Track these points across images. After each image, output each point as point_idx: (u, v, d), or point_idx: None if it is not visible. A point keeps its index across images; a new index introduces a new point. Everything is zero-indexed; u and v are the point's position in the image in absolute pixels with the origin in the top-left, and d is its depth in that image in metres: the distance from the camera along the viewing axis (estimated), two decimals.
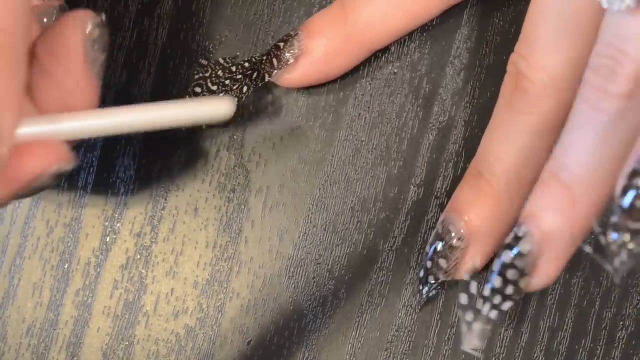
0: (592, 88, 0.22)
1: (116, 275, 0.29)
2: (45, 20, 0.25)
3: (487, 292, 0.24)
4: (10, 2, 0.21)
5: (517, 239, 0.23)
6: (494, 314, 0.24)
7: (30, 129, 0.23)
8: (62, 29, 0.25)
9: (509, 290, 0.24)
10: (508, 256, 0.24)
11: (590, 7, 0.22)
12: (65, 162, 0.23)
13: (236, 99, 0.26)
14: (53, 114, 0.24)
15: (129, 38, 0.30)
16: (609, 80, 0.21)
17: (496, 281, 0.24)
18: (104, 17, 0.25)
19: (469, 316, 0.25)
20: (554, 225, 0.23)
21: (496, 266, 0.24)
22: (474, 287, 0.25)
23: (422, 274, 0.27)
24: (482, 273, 0.27)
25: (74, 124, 0.24)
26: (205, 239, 0.29)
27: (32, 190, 0.23)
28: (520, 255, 0.23)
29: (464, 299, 0.25)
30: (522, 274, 0.23)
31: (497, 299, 0.24)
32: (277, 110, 0.29)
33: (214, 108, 0.25)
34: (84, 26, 0.25)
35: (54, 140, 0.23)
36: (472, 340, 0.25)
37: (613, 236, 0.20)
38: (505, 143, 0.26)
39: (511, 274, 0.24)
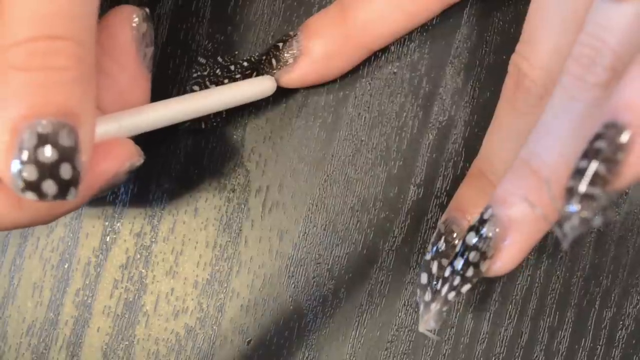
0: (570, 76, 0.21)
1: (116, 274, 0.29)
2: None
3: (447, 272, 0.24)
4: (79, 11, 0.20)
5: (483, 222, 0.23)
6: (451, 295, 0.24)
7: (101, 131, 0.23)
8: (109, 25, 0.25)
9: (469, 272, 0.23)
10: (471, 238, 0.23)
11: (589, 6, 0.22)
12: (136, 157, 0.24)
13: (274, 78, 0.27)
14: (118, 112, 0.24)
15: None
16: (587, 69, 0.21)
17: (458, 262, 0.24)
18: (147, 10, 0.25)
19: (427, 296, 0.25)
20: (520, 211, 0.23)
21: (459, 247, 0.24)
22: (434, 267, 0.25)
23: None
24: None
25: (140, 118, 0.24)
26: (204, 238, 0.29)
27: (108, 189, 0.24)
28: (483, 237, 0.23)
29: (424, 278, 0.25)
30: (484, 256, 0.23)
31: (457, 280, 0.24)
32: (277, 109, 0.29)
33: (259, 87, 0.27)
34: (131, 21, 0.25)
35: (122, 139, 0.23)
36: (429, 321, 0.24)
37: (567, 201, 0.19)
38: (507, 143, 0.26)
39: (473, 255, 0.23)
